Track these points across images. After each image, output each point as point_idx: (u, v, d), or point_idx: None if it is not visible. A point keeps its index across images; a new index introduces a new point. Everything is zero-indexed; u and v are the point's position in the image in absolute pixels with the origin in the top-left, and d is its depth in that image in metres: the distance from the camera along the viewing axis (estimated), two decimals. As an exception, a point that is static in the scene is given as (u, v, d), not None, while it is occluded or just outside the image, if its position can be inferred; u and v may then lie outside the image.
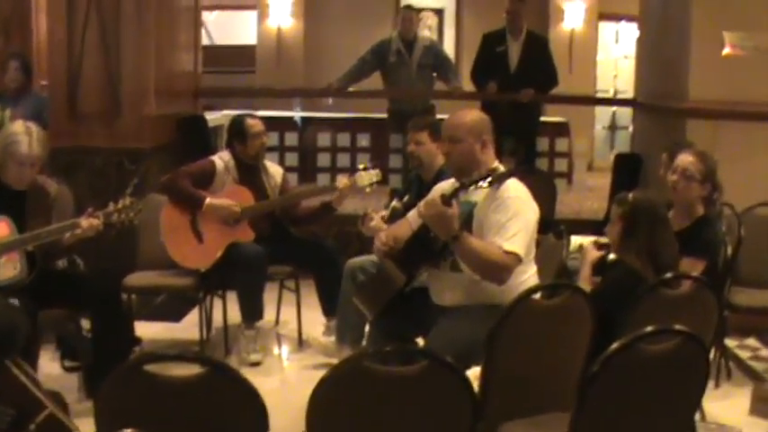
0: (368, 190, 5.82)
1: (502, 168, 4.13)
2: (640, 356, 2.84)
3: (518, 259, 3.89)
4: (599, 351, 2.89)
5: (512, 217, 3.91)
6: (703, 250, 4.53)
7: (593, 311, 3.50)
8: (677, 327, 2.91)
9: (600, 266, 4.32)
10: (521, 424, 3.34)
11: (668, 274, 3.83)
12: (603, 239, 4.36)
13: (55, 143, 6.30)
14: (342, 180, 5.78)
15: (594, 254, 4.36)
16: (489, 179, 3.86)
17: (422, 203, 4.17)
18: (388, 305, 4.21)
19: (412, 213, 4.41)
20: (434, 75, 8.67)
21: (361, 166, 5.87)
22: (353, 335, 5.35)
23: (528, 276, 4.07)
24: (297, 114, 10.81)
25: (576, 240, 5.04)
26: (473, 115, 4.27)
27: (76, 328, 5.10)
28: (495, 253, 3.85)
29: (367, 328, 5.27)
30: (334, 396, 2.62)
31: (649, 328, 2.84)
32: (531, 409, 3.40)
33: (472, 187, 3.93)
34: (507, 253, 3.86)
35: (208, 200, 5.64)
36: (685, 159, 4.71)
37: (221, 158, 5.86)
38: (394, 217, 5.23)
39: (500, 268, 3.87)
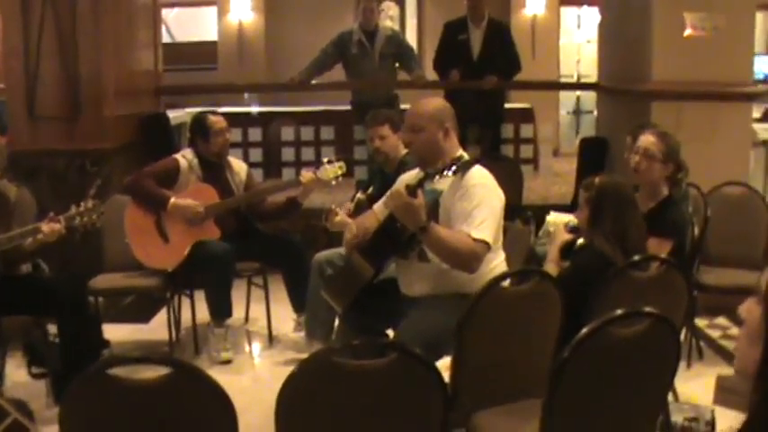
0: (333, 183, 5.79)
1: (466, 156, 4.10)
2: (611, 340, 2.83)
3: (487, 247, 3.87)
4: (568, 335, 2.88)
5: (478, 204, 3.89)
6: (670, 230, 4.53)
7: (562, 297, 3.48)
8: (647, 309, 2.90)
9: (568, 250, 4.31)
10: (494, 412, 3.32)
11: (637, 257, 3.83)
12: (575, 222, 4.35)
13: (15, 147, 6.25)
14: (306, 175, 5.74)
15: (564, 236, 4.35)
16: (454, 168, 3.83)
17: (387, 195, 4.14)
18: (356, 298, 4.18)
19: (378, 205, 4.38)
20: (397, 65, 8.64)
21: (325, 160, 5.84)
22: (323, 330, 5.33)
23: (496, 264, 4.05)
24: (254, 110, 10.72)
25: (550, 218, 5.03)
26: (434, 103, 4.24)
27: (43, 334, 5.04)
28: (464, 241, 3.83)
29: (337, 322, 5.26)
30: (303, 391, 2.59)
31: (619, 312, 2.83)
32: (503, 396, 3.38)
33: (437, 177, 3.90)
34: (476, 241, 3.83)
35: (172, 200, 5.58)
36: (646, 140, 4.72)
37: (184, 157, 5.80)
38: (359, 209, 5.20)
39: (470, 257, 3.84)
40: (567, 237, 4.35)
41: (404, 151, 5.47)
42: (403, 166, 5.02)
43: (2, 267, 4.63)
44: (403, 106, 8.40)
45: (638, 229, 4.11)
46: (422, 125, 4.11)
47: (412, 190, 3.82)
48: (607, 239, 3.99)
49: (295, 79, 8.41)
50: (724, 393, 4.71)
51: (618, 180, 4.25)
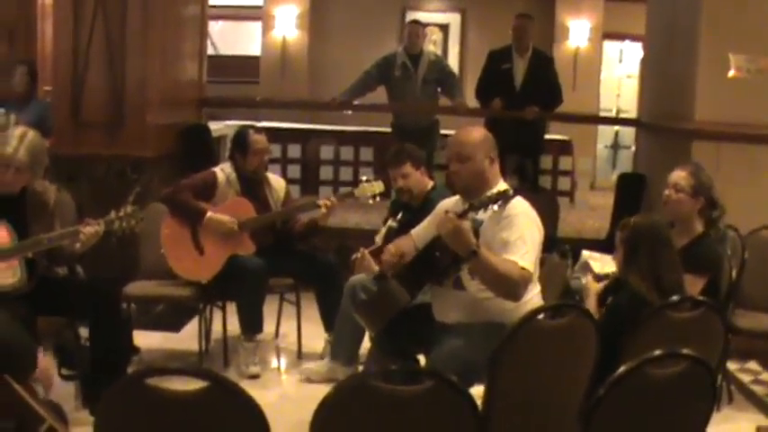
0: (371, 202, 5.80)
1: (509, 189, 4.09)
2: (647, 380, 2.81)
3: (531, 276, 3.87)
4: (603, 374, 2.87)
5: (521, 235, 3.89)
6: (703, 267, 4.50)
7: (598, 333, 3.47)
8: (684, 351, 2.88)
9: (604, 296, 4.30)
10: (523, 445, 3.31)
11: (674, 297, 3.81)
12: (602, 271, 4.36)
13: (58, 151, 6.31)
14: (324, 202, 5.71)
15: (595, 287, 4.35)
16: (500, 203, 3.83)
17: (429, 219, 4.17)
18: (390, 323, 4.18)
19: (415, 231, 4.37)
20: (439, 90, 8.65)
21: (363, 178, 5.85)
22: (347, 355, 5.36)
23: (532, 296, 4.03)
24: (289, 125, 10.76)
25: (584, 256, 5.02)
26: (480, 132, 4.24)
27: (74, 337, 5.07)
28: (512, 269, 3.81)
29: (362, 348, 5.26)
30: (337, 414, 2.58)
31: (657, 352, 2.82)
32: (535, 429, 3.36)
33: (482, 211, 3.89)
34: (522, 269, 3.83)
35: (208, 214, 5.61)
36: (677, 174, 4.75)
37: (223, 170, 5.83)
38: (389, 236, 5.20)
39: (518, 284, 3.83)
40: (598, 286, 4.34)
41: (429, 186, 5.49)
42: (428, 203, 5.03)
43: (43, 268, 4.65)
44: (443, 131, 8.43)
45: (674, 270, 4.08)
46: (469, 154, 4.10)
47: (460, 215, 3.82)
48: (643, 279, 3.98)
49: (337, 99, 8.45)
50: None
51: (654, 220, 4.23)
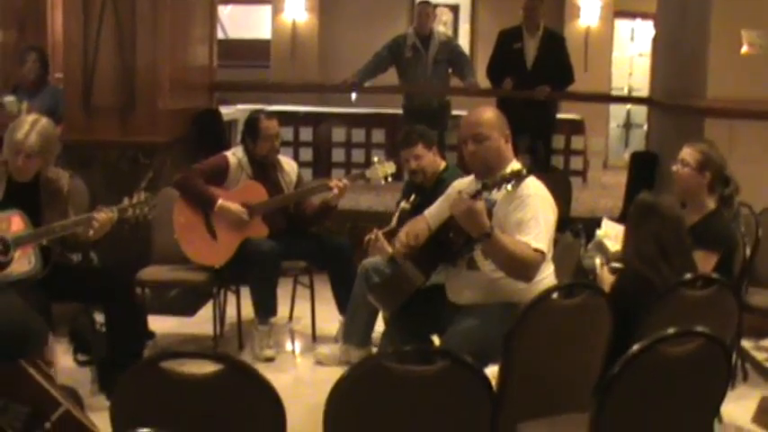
0: (382, 182, 5.80)
1: (523, 170, 4.08)
2: (661, 358, 2.81)
3: (544, 257, 3.87)
4: (617, 353, 2.87)
5: (534, 215, 3.88)
6: (714, 243, 4.48)
7: (611, 312, 3.47)
8: (699, 328, 2.88)
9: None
10: (539, 424, 3.32)
11: (687, 275, 3.80)
12: (616, 264, 4.34)
13: (70, 137, 6.33)
14: (336, 182, 5.72)
15: (609, 278, 4.32)
16: (513, 182, 3.82)
17: (442, 199, 4.17)
18: (404, 304, 4.19)
19: (429, 211, 4.38)
20: (450, 71, 8.63)
21: (375, 159, 5.85)
22: (360, 337, 5.37)
23: (545, 275, 4.03)
24: (300, 108, 10.75)
25: (600, 232, 5.00)
26: (493, 111, 4.24)
27: (90, 322, 5.10)
28: (525, 250, 3.81)
29: (375, 331, 5.27)
30: (352, 395, 2.59)
31: (671, 330, 2.81)
32: (549, 408, 3.37)
33: (496, 190, 3.88)
34: (536, 250, 3.83)
35: (219, 201, 5.61)
36: (683, 151, 4.71)
37: (234, 155, 5.83)
38: (402, 218, 5.21)
39: (530, 265, 3.83)
40: (612, 277, 4.32)
41: (441, 167, 5.47)
42: (441, 184, 5.03)
43: (57, 255, 4.68)
44: (454, 112, 8.42)
45: (681, 252, 4.04)
46: (486, 134, 4.09)
47: (473, 195, 3.82)
48: (642, 260, 3.94)
49: (348, 81, 8.44)
50: (764, 415, 4.68)
51: (658, 198, 4.18)
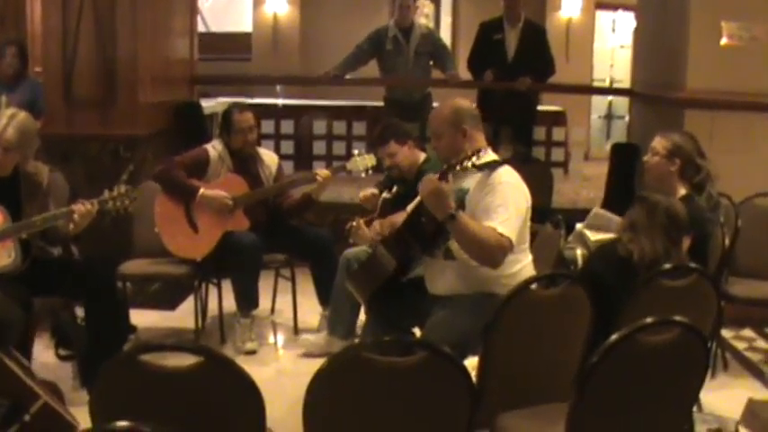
0: (363, 175, 5.81)
1: (490, 150, 4.11)
2: (640, 348, 2.83)
3: (511, 243, 3.87)
4: (598, 337, 2.88)
5: (503, 202, 3.89)
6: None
7: (591, 302, 3.48)
8: (677, 318, 2.89)
9: None
10: (519, 414, 3.32)
11: (666, 265, 3.81)
12: (597, 239, 4.36)
13: (50, 130, 6.31)
14: (321, 172, 5.75)
15: None
16: (473, 160, 3.85)
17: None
18: (384, 295, 4.20)
19: (411, 206, 4.39)
20: (431, 63, 8.63)
21: (355, 152, 5.85)
22: (344, 328, 5.38)
23: (523, 266, 4.06)
24: (279, 101, 10.73)
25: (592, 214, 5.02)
26: (449, 107, 4.25)
27: (71, 317, 5.08)
28: (490, 234, 3.82)
29: (359, 321, 5.28)
30: (332, 386, 2.60)
31: (649, 320, 2.83)
32: (529, 399, 3.38)
33: (458, 168, 3.90)
34: (501, 235, 3.83)
35: (201, 191, 5.61)
36: (654, 140, 4.73)
37: (214, 148, 5.82)
38: (384, 208, 5.23)
39: (495, 250, 3.84)
40: None
41: (421, 159, 5.48)
42: (422, 175, 5.02)
43: (36, 249, 4.66)
44: (436, 104, 8.41)
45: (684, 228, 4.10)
46: (441, 130, 4.18)
47: (439, 177, 3.85)
48: (657, 253, 3.97)
49: (330, 73, 8.43)
50: (752, 418, 4.70)
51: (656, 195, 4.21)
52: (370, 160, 5.75)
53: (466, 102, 4.34)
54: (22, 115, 4.66)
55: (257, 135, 6.01)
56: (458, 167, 3.91)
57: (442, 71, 8.57)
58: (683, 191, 4.64)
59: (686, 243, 4.36)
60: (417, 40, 8.41)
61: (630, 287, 3.68)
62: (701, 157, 4.68)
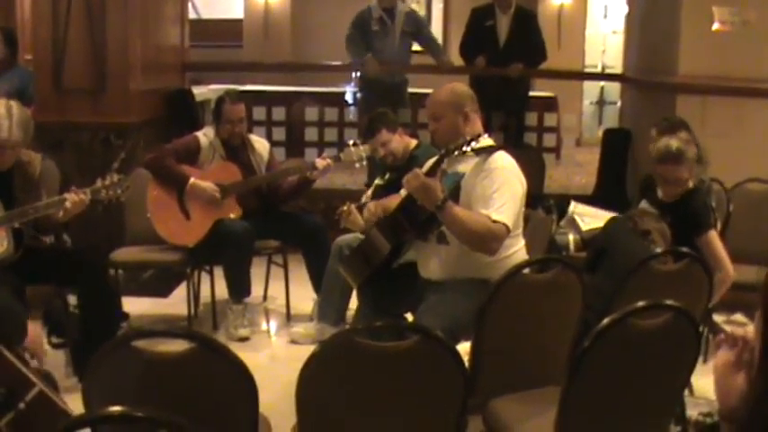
0: (357, 166, 5.81)
1: (486, 136, 4.11)
2: (632, 331, 2.83)
3: (507, 229, 3.87)
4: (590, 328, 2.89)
5: (499, 188, 3.89)
6: (707, 220, 4.56)
7: (583, 286, 3.49)
8: (668, 302, 2.90)
9: None
10: (511, 399, 3.34)
11: (657, 249, 3.83)
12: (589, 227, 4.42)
13: (41, 118, 6.25)
14: (321, 162, 5.73)
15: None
16: (472, 145, 3.85)
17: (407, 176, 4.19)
18: (376, 280, 4.20)
19: (404, 190, 4.39)
20: (416, 43, 8.57)
21: (350, 142, 5.84)
22: (335, 314, 5.39)
23: (516, 250, 4.06)
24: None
25: (572, 210, 5.03)
26: (450, 89, 4.26)
27: (63, 305, 5.08)
28: (482, 222, 3.83)
29: (350, 308, 5.29)
30: (324, 371, 2.60)
31: (641, 303, 2.83)
32: (521, 383, 3.39)
33: (456, 153, 3.91)
34: (495, 222, 3.84)
35: (191, 180, 5.60)
36: (675, 142, 4.69)
37: (206, 135, 5.81)
38: (377, 194, 5.23)
39: (489, 238, 3.84)
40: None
41: (412, 144, 5.48)
42: (414, 160, 5.04)
43: (29, 237, 4.65)
44: (412, 90, 8.42)
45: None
46: (441, 113, 4.17)
47: (429, 170, 3.86)
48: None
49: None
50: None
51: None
52: (364, 151, 5.73)
53: (464, 85, 4.35)
54: (17, 108, 4.61)
55: (246, 126, 5.99)
56: (456, 153, 3.91)
57: (433, 57, 8.53)
58: (690, 184, 4.68)
59: (715, 235, 4.46)
60: (402, 19, 8.30)
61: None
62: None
